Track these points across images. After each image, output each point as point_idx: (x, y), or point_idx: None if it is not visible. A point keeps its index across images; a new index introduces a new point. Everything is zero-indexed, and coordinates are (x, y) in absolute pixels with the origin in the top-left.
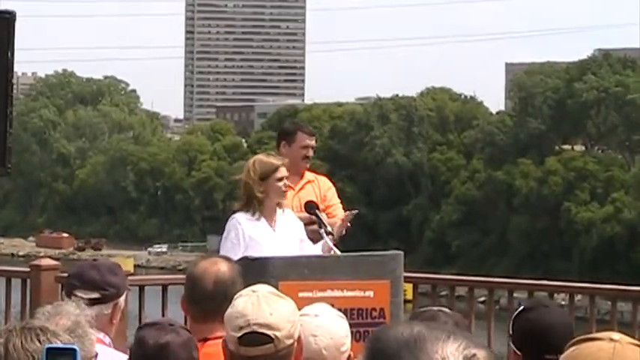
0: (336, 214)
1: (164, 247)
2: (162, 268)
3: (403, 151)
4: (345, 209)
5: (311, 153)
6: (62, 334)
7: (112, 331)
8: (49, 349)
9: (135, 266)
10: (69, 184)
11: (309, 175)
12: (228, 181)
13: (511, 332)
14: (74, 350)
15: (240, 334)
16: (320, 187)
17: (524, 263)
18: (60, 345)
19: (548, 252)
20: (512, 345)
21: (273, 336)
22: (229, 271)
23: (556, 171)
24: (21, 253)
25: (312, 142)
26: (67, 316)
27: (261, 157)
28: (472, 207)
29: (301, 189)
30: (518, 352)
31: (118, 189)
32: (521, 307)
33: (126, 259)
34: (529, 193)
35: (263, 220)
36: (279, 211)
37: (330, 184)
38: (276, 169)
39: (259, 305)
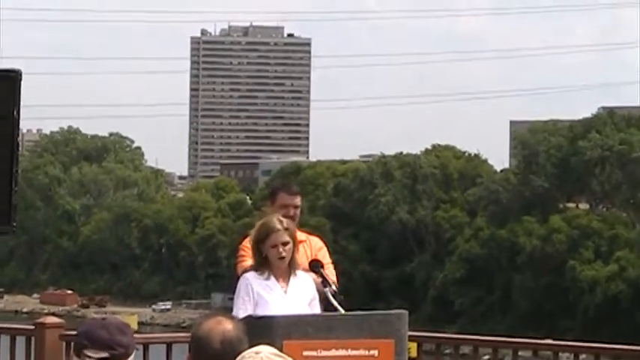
0: (327, 274)
1: (168, 305)
2: (166, 326)
3: (407, 208)
4: (336, 268)
5: (292, 212)
6: None
7: None
8: None
9: (139, 323)
10: (73, 241)
11: (300, 236)
12: (232, 238)
13: None
14: None
15: None
16: (311, 247)
17: (527, 321)
18: None
19: (552, 310)
20: None
21: None
22: (234, 330)
23: (560, 229)
24: (25, 310)
25: (294, 202)
26: None
27: (263, 220)
28: (476, 265)
29: None
30: None
31: (122, 245)
32: None
33: (130, 316)
34: (533, 251)
35: (273, 280)
36: (292, 274)
37: (322, 245)
38: (270, 234)
39: None
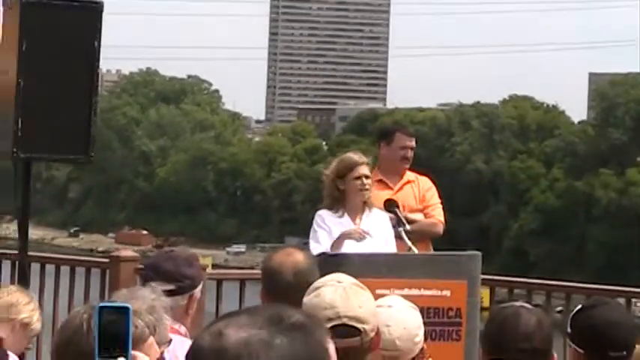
0: (434, 214)
1: (242, 248)
2: (239, 268)
3: (483, 158)
4: (445, 210)
5: (410, 154)
6: (144, 312)
7: (187, 321)
8: (101, 307)
9: (213, 265)
10: (149, 182)
11: (409, 176)
12: (307, 183)
13: (570, 330)
14: (127, 309)
15: (328, 326)
16: (420, 188)
17: (601, 274)
18: (114, 304)
19: (627, 263)
20: (572, 344)
21: (362, 329)
22: (306, 260)
23: (637, 182)
24: (100, 249)
25: (412, 144)
26: (143, 300)
27: (344, 155)
28: (551, 216)
29: (400, 189)
30: (580, 350)
31: (198, 188)
32: (580, 306)
33: (205, 258)
34: (609, 203)
35: (347, 217)
36: (366, 210)
37: (431, 185)
38: (353, 167)
39: (348, 298)
